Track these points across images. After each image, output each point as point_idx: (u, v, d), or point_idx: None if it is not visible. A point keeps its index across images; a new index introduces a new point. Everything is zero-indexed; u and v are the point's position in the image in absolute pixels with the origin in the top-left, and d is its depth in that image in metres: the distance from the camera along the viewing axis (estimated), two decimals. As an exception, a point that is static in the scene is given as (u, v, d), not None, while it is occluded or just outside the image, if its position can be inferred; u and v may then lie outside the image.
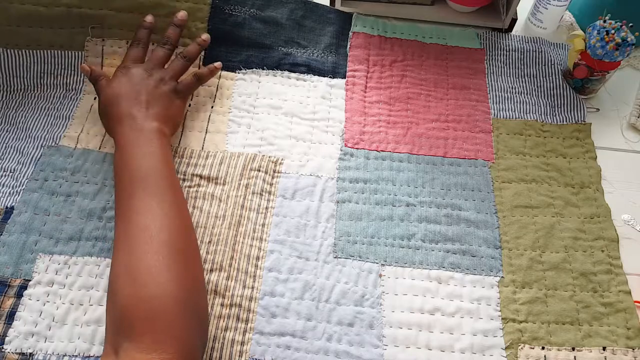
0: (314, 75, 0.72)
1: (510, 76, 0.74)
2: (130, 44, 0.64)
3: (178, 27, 0.65)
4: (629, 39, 0.64)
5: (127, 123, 0.56)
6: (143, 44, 0.63)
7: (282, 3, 0.75)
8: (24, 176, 0.61)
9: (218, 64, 0.66)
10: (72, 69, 0.69)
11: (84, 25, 0.67)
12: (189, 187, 0.61)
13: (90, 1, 0.66)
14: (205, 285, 0.52)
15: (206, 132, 0.66)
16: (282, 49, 0.73)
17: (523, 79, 0.74)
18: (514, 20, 0.78)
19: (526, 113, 0.70)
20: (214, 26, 0.72)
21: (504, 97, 0.72)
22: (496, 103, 0.71)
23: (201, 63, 0.71)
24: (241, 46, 0.73)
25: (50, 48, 0.67)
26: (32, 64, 0.67)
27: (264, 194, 0.61)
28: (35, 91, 0.68)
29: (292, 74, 0.71)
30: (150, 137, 0.55)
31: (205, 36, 0.66)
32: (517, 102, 0.71)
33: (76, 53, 0.68)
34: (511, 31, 0.79)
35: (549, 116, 0.70)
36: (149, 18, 0.65)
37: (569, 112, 0.70)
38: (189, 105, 0.68)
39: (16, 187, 0.60)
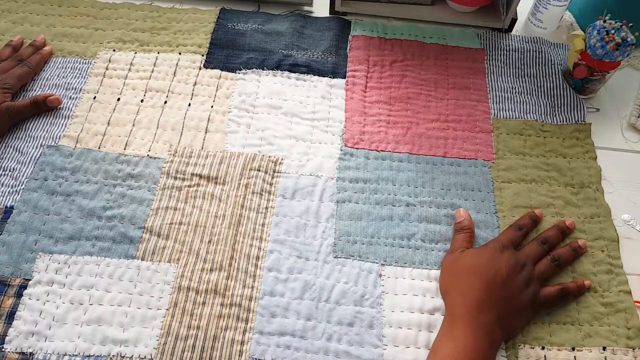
0: (314, 75, 0.72)
1: (510, 76, 0.74)
2: (512, 225, 0.59)
3: (562, 233, 0.59)
4: (629, 39, 0.64)
5: (461, 307, 0.50)
6: (526, 230, 0.58)
7: (282, 17, 0.78)
8: (23, 175, 0.61)
9: (588, 282, 0.56)
10: (77, 71, 0.70)
11: (102, 41, 0.74)
12: (189, 186, 0.61)
13: (112, 24, 0.76)
14: None
15: (206, 132, 0.66)
16: (283, 51, 0.73)
17: (523, 79, 0.74)
18: (514, 20, 0.78)
19: (526, 113, 0.70)
20: (217, 36, 0.74)
21: (504, 97, 0.72)
22: (496, 103, 0.71)
23: (201, 65, 0.72)
24: (242, 50, 0.73)
25: (68, 56, 0.72)
26: (48, 68, 0.71)
27: (263, 193, 0.61)
28: (37, 91, 0.68)
29: (292, 74, 0.71)
30: (490, 344, 0.48)
31: (582, 242, 0.58)
32: (517, 102, 0.71)
33: (86, 60, 0.72)
34: (511, 31, 0.79)
35: (549, 116, 0.70)
36: None
37: (569, 112, 0.70)
38: (189, 105, 0.68)
39: (16, 186, 0.60)
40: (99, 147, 0.63)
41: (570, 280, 0.57)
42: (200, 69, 0.71)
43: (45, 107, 0.65)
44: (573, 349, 0.53)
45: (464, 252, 0.55)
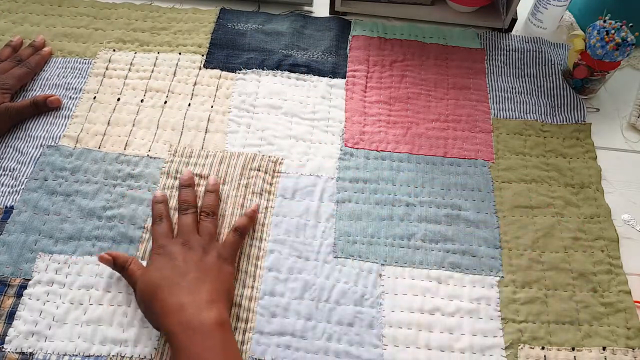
0: (314, 75, 0.72)
1: (510, 76, 0.74)
2: (153, 221, 0.56)
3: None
4: (629, 39, 0.64)
5: (176, 317, 0.47)
6: (166, 218, 0.56)
7: (282, 17, 0.78)
8: (23, 175, 0.61)
9: (254, 205, 0.58)
10: (77, 71, 0.70)
11: (102, 41, 0.74)
12: (189, 186, 0.61)
13: (112, 24, 0.75)
14: None
15: (206, 132, 0.66)
16: (283, 51, 0.73)
17: (523, 79, 0.74)
18: (514, 20, 0.78)
19: (526, 113, 0.70)
20: (217, 36, 0.75)
21: (504, 97, 0.72)
22: (496, 103, 0.71)
23: (201, 65, 0.72)
24: (242, 50, 0.73)
25: (67, 56, 0.72)
26: (48, 68, 0.71)
27: (263, 193, 0.61)
28: (37, 91, 0.68)
29: (292, 74, 0.71)
30: (208, 330, 0.46)
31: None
32: (517, 102, 0.71)
33: (86, 60, 0.72)
34: (511, 31, 0.79)
35: (549, 116, 0.70)
36: (158, 194, 0.58)
37: (569, 112, 0.70)
38: (189, 105, 0.68)
39: (16, 186, 0.60)
40: (99, 147, 0.63)
41: (570, 279, 0.57)
42: (200, 69, 0.71)
43: (46, 108, 0.65)
44: (573, 349, 0.53)
45: (138, 280, 0.51)
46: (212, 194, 0.58)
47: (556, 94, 0.72)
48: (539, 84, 0.73)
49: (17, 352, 0.50)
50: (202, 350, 0.45)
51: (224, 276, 0.52)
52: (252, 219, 0.58)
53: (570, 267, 0.58)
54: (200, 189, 0.60)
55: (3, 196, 0.59)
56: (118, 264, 0.53)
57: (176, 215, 0.58)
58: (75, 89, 0.68)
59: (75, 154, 0.63)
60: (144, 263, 0.55)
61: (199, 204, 0.59)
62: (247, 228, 0.57)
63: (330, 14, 0.79)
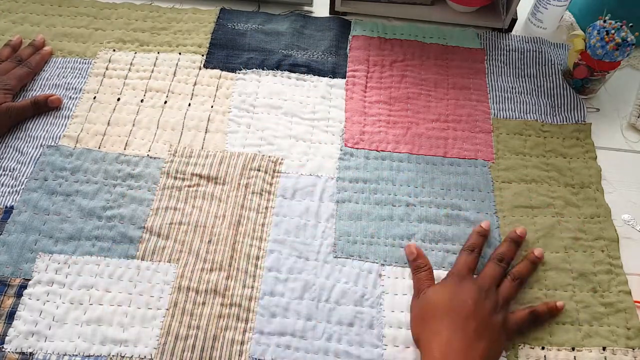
0: (314, 75, 0.72)
1: (510, 76, 0.74)
2: (465, 247, 0.57)
3: (532, 264, 0.57)
4: (629, 39, 0.64)
5: (436, 349, 0.47)
6: (478, 253, 0.56)
7: (282, 17, 0.78)
8: (23, 175, 0.61)
9: (560, 303, 0.55)
10: (77, 71, 0.70)
11: (102, 41, 0.74)
12: (189, 186, 0.61)
13: (112, 24, 0.75)
14: None
15: (206, 132, 0.66)
16: (283, 51, 0.73)
17: (523, 79, 0.74)
18: (514, 20, 0.78)
19: (526, 113, 0.70)
20: (217, 36, 0.75)
21: (504, 97, 0.72)
22: (496, 103, 0.71)
23: (201, 65, 0.72)
24: (242, 50, 0.73)
25: (68, 56, 0.72)
26: (48, 68, 0.71)
27: (263, 193, 0.61)
28: (37, 91, 0.68)
29: (292, 74, 0.71)
30: None
31: (538, 252, 0.57)
32: (517, 102, 0.71)
33: (86, 60, 0.72)
34: (511, 31, 0.79)
35: (549, 116, 0.70)
36: (485, 225, 0.58)
37: (569, 112, 0.70)
38: (189, 105, 0.68)
39: (16, 186, 0.60)
40: (99, 147, 0.63)
41: (570, 279, 0.57)
42: (200, 69, 0.71)
43: (46, 108, 0.65)
44: (573, 349, 0.53)
45: (426, 292, 0.53)
46: (532, 265, 0.57)
47: (556, 94, 0.72)
48: (539, 84, 0.73)
49: (17, 352, 0.50)
50: None
51: (497, 346, 0.50)
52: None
53: (571, 267, 0.58)
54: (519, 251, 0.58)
55: (3, 196, 0.59)
56: (416, 264, 0.56)
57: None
58: (75, 89, 0.68)
59: (75, 154, 0.63)
60: (144, 263, 0.55)
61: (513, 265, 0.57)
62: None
63: (330, 14, 0.79)
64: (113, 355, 0.50)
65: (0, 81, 0.65)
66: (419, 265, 0.56)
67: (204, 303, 0.54)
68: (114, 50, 0.72)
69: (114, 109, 0.67)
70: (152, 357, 0.50)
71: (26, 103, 0.64)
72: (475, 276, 0.54)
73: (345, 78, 0.72)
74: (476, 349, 0.48)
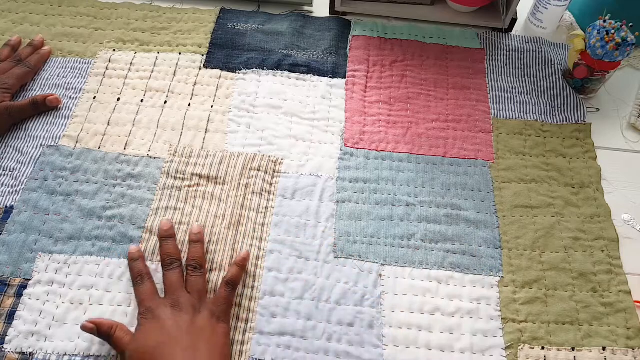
0: (314, 75, 0.72)
1: (510, 76, 0.74)
2: (134, 282, 0.53)
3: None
4: (629, 39, 0.64)
5: None
6: (147, 276, 0.53)
7: (282, 17, 0.78)
8: (23, 175, 0.61)
9: (245, 252, 0.55)
10: (77, 71, 0.70)
11: (102, 41, 0.74)
12: (189, 186, 0.61)
13: (112, 24, 0.75)
14: None
15: (206, 132, 0.66)
16: (283, 51, 0.73)
17: (523, 79, 0.74)
18: (514, 20, 0.78)
19: (526, 113, 0.70)
20: (217, 36, 0.75)
21: (504, 97, 0.72)
22: (496, 103, 0.71)
23: (201, 65, 0.72)
24: (242, 50, 0.73)
25: (67, 55, 0.72)
26: (48, 68, 0.71)
27: (263, 193, 0.61)
28: (37, 91, 0.68)
29: (292, 74, 0.71)
30: None
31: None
32: (517, 102, 0.71)
33: (86, 60, 0.72)
34: (511, 31, 0.79)
35: (549, 116, 0.70)
36: (133, 250, 0.55)
37: (569, 112, 0.70)
38: (189, 105, 0.68)
39: (16, 186, 0.60)
40: (99, 147, 0.63)
41: (570, 279, 0.57)
42: (200, 69, 0.71)
43: (45, 107, 0.65)
44: (573, 349, 0.53)
45: (128, 349, 0.48)
46: (198, 244, 0.55)
47: (556, 94, 0.72)
48: (539, 84, 0.73)
49: (17, 352, 0.50)
50: None
51: (218, 337, 0.49)
52: (242, 267, 0.54)
53: (571, 267, 0.58)
54: (181, 237, 0.56)
55: (3, 196, 0.59)
56: (103, 332, 0.49)
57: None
58: (75, 89, 0.68)
59: (75, 154, 0.63)
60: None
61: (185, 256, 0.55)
62: (239, 279, 0.53)
63: (330, 14, 0.79)
64: (113, 355, 0.50)
65: None
66: (108, 331, 0.49)
67: (204, 303, 0.53)
68: (114, 50, 0.72)
69: (114, 109, 0.67)
70: (152, 357, 0.50)
71: (25, 103, 0.64)
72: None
73: (345, 78, 0.72)
74: (200, 357, 0.47)
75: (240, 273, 0.54)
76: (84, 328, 0.49)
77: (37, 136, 0.64)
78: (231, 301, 0.52)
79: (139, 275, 0.53)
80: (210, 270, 0.55)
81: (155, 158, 0.63)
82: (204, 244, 0.56)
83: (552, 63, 0.75)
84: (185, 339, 0.47)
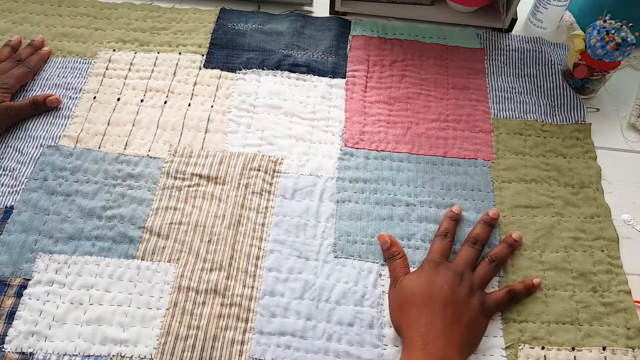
0: (314, 75, 0.72)
1: (510, 76, 0.74)
2: (438, 233, 0.58)
3: (489, 226, 0.58)
4: (629, 39, 0.64)
5: (417, 336, 0.48)
6: (451, 236, 0.57)
7: (282, 17, 0.78)
8: (23, 175, 0.61)
9: (537, 280, 0.56)
10: (77, 71, 0.70)
11: (102, 41, 0.74)
12: (189, 186, 0.61)
13: (112, 24, 0.75)
14: None
15: (206, 132, 0.66)
16: (283, 51, 0.73)
17: (523, 79, 0.74)
18: (514, 20, 0.78)
19: (526, 113, 0.70)
20: (217, 36, 0.74)
21: (504, 97, 0.72)
22: (496, 103, 0.71)
23: (201, 65, 0.72)
24: (242, 50, 0.73)
25: (67, 55, 0.72)
26: (48, 68, 0.71)
27: (263, 193, 0.61)
28: (37, 91, 0.68)
29: (292, 74, 0.71)
30: None
31: (517, 235, 0.58)
32: (517, 102, 0.71)
33: (86, 60, 0.72)
34: (511, 31, 0.79)
35: (549, 116, 0.70)
36: (457, 210, 0.59)
37: (569, 112, 0.70)
38: (189, 105, 0.68)
39: (16, 186, 0.60)
40: (99, 147, 0.63)
41: (570, 279, 0.57)
42: (200, 68, 0.71)
43: (45, 107, 0.65)
44: (573, 349, 0.53)
45: (403, 280, 0.53)
46: (509, 248, 0.57)
47: (556, 94, 0.72)
48: (539, 84, 0.73)
49: (17, 352, 0.50)
50: None
51: (477, 328, 0.51)
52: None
53: (571, 267, 0.58)
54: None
55: (3, 196, 0.59)
56: (391, 251, 0.56)
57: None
58: (75, 89, 0.68)
59: (75, 154, 0.63)
60: (144, 263, 0.55)
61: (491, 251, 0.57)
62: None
63: (330, 14, 0.79)
64: (113, 355, 0.50)
65: None
66: (393, 254, 0.56)
67: (204, 303, 0.54)
68: (114, 50, 0.73)
69: (114, 109, 0.67)
70: (152, 357, 0.50)
71: (25, 103, 0.64)
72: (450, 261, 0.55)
73: (345, 78, 0.72)
74: (455, 333, 0.49)
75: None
76: (381, 237, 0.57)
77: (37, 136, 0.64)
78: (502, 301, 0.54)
79: (446, 231, 0.57)
80: (210, 270, 0.55)
81: (155, 158, 0.63)
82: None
83: (552, 63, 0.75)
84: (452, 308, 0.50)
